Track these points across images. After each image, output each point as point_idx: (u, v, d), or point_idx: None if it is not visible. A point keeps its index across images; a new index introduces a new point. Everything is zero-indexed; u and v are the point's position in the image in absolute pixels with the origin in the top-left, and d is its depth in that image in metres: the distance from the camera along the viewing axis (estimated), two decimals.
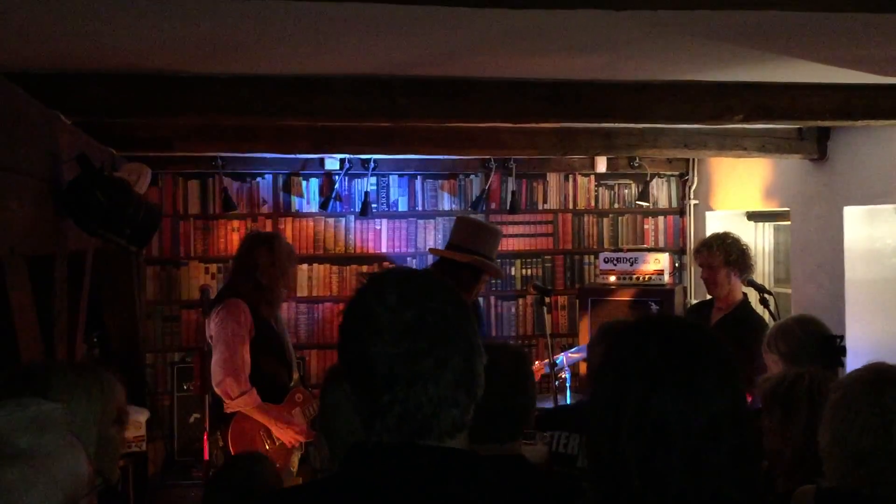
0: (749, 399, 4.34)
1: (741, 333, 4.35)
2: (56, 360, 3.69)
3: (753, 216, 6.77)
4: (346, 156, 6.61)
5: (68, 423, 1.83)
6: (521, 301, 7.19)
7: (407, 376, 1.44)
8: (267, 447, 4.47)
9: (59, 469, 1.73)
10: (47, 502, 1.68)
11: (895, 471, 2.02)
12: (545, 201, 7.30)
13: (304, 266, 6.89)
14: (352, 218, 7.00)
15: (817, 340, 3.25)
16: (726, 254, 4.70)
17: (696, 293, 7.08)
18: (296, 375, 4.75)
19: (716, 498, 1.44)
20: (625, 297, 6.34)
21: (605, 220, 7.38)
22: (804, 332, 3.26)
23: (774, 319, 4.57)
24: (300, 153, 6.14)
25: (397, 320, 1.45)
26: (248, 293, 4.46)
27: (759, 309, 4.82)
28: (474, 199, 7.04)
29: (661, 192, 7.43)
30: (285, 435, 4.48)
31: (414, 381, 1.44)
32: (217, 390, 4.35)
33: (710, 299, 4.99)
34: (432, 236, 7.04)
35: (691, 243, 7.22)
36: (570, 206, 7.33)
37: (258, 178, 6.88)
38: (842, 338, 3.26)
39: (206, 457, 4.49)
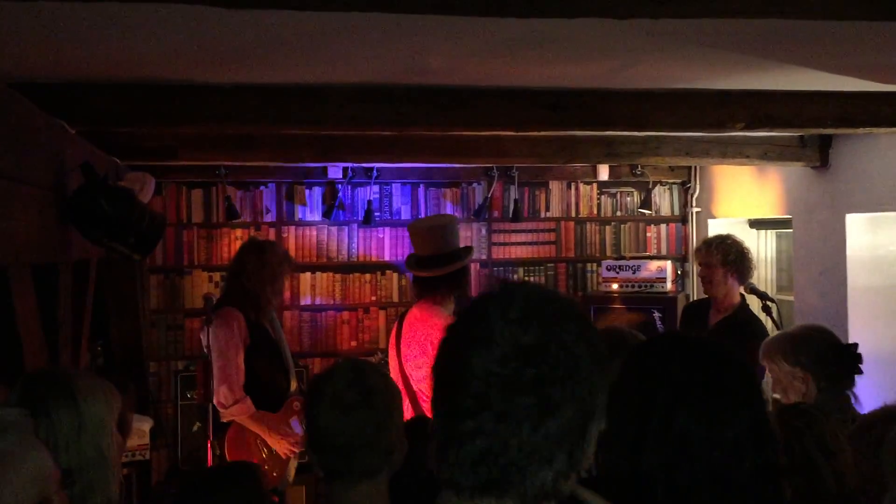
0: None
1: (742, 337, 4.40)
2: (72, 367, 3.75)
3: (755, 224, 6.77)
4: (349, 164, 6.61)
5: (28, 425, 1.92)
6: None
7: (501, 406, 1.19)
8: (263, 455, 4.47)
9: (26, 466, 1.80)
10: (20, 496, 1.74)
11: None
12: (547, 209, 7.30)
13: (307, 274, 6.89)
14: (355, 226, 7.00)
15: (835, 349, 3.21)
16: (724, 254, 4.75)
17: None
18: (294, 384, 4.74)
19: None
20: (627, 304, 6.34)
21: (608, 227, 7.38)
22: (823, 342, 3.21)
23: (777, 327, 4.58)
24: (303, 162, 6.15)
25: (513, 338, 1.21)
26: (238, 300, 4.47)
27: (762, 317, 4.83)
28: (477, 207, 7.04)
29: (664, 199, 7.44)
30: (280, 446, 4.48)
31: (506, 415, 1.19)
32: (213, 399, 4.37)
33: (706, 298, 5.02)
34: None
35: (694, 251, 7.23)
36: (573, 214, 7.34)
37: (261, 187, 6.89)
38: (856, 346, 3.22)
39: (210, 465, 4.49)
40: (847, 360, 3.16)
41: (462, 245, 4.49)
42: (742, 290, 4.90)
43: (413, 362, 4.24)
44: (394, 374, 4.28)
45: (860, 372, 3.18)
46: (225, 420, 4.41)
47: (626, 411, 1.47)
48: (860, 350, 3.21)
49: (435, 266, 4.19)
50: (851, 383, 3.16)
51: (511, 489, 1.20)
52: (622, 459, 1.48)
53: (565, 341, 1.22)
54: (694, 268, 7.16)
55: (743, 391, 1.50)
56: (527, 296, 1.26)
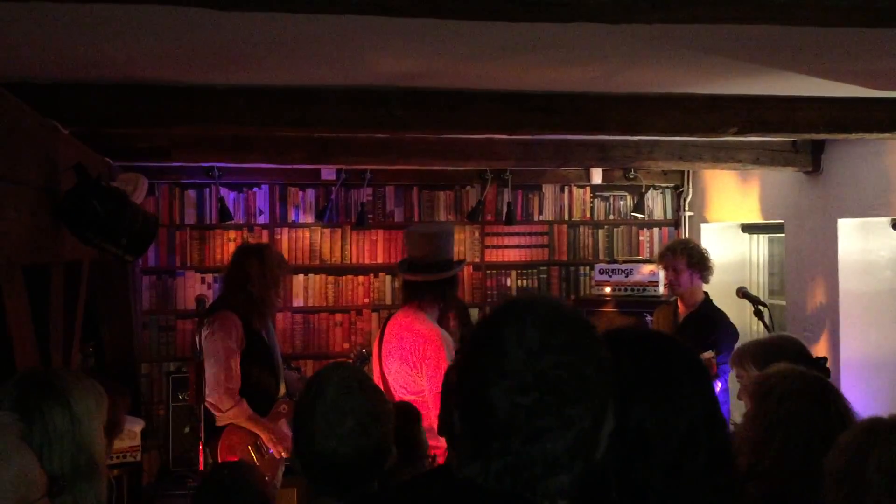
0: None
1: (706, 328, 4.90)
2: (67, 368, 3.76)
3: (748, 228, 6.78)
4: (343, 167, 6.60)
5: (17, 429, 1.91)
6: None
7: (526, 430, 1.31)
8: (256, 462, 4.46)
9: (9, 470, 1.79)
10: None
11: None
12: (541, 213, 7.31)
13: (300, 276, 6.88)
14: (348, 229, 7.00)
15: (805, 362, 3.14)
16: (689, 257, 5.14)
17: None
18: (283, 388, 4.74)
19: None
20: (620, 308, 6.35)
21: (601, 231, 7.39)
22: (794, 352, 3.17)
23: (769, 331, 4.63)
24: (296, 163, 6.13)
25: (531, 367, 1.32)
26: (239, 305, 4.46)
27: (754, 321, 4.92)
28: (470, 210, 7.04)
29: (656, 203, 7.44)
30: (276, 448, 4.48)
31: (533, 437, 1.31)
32: (207, 402, 4.35)
33: (674, 300, 5.39)
34: None
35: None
36: (566, 218, 7.35)
37: (254, 189, 6.88)
38: (825, 360, 3.18)
39: (201, 467, 4.48)
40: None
41: (457, 258, 4.51)
42: (736, 293, 4.98)
43: (393, 371, 4.24)
44: (375, 375, 4.30)
45: None
46: (221, 423, 4.41)
47: None
48: (851, 354, 3.20)
49: (426, 271, 4.19)
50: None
51: (533, 493, 1.32)
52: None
53: (577, 364, 1.33)
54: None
55: (692, 379, 1.53)
56: (541, 319, 1.35)
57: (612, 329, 1.62)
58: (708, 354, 4.46)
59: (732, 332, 4.98)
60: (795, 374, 2.50)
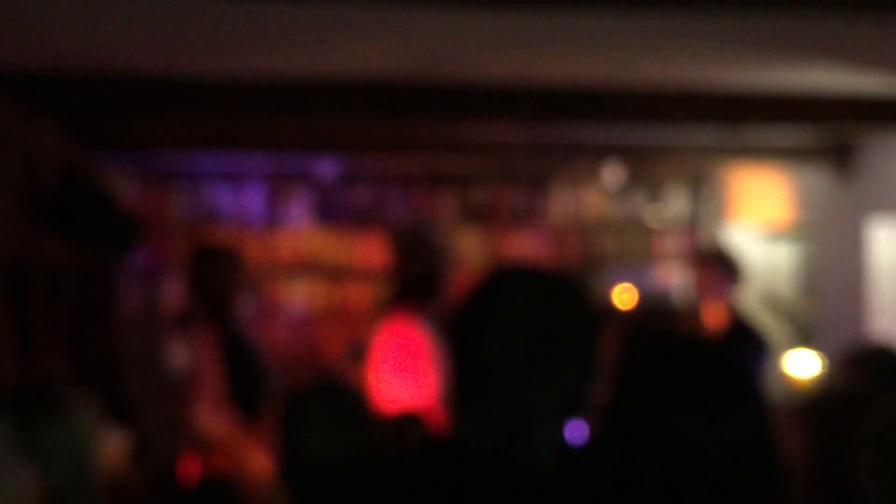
0: None
1: (739, 340, 4.74)
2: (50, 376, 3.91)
3: (771, 231, 6.58)
4: (343, 163, 6.46)
5: (9, 443, 1.93)
6: None
7: (512, 381, 1.42)
8: (248, 475, 4.36)
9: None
10: None
11: None
12: (551, 213, 7.14)
13: (297, 280, 6.76)
14: (346, 230, 6.85)
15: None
16: (724, 264, 4.96)
17: None
18: (274, 385, 4.64)
19: None
20: (633, 313, 6.20)
21: (614, 233, 7.21)
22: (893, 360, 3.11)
23: (792, 342, 4.51)
24: (293, 160, 6.04)
25: (519, 320, 1.44)
26: (206, 310, 4.35)
27: (777, 330, 4.79)
28: (476, 209, 6.94)
29: (673, 205, 7.26)
30: (259, 463, 4.36)
31: (518, 387, 1.42)
32: (194, 416, 4.31)
33: (695, 307, 5.23)
34: None
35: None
36: (577, 219, 7.17)
37: (248, 186, 6.73)
38: None
39: (190, 480, 4.41)
40: None
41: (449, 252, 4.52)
42: (758, 301, 4.88)
43: (387, 383, 4.14)
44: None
45: None
46: (207, 435, 4.33)
47: (618, 422, 1.51)
48: None
49: (418, 271, 4.18)
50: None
51: (527, 443, 1.43)
52: (615, 471, 1.49)
53: (564, 316, 1.46)
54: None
55: (743, 400, 1.49)
56: (527, 278, 1.50)
57: (658, 336, 1.60)
58: None
59: (764, 346, 4.84)
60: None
